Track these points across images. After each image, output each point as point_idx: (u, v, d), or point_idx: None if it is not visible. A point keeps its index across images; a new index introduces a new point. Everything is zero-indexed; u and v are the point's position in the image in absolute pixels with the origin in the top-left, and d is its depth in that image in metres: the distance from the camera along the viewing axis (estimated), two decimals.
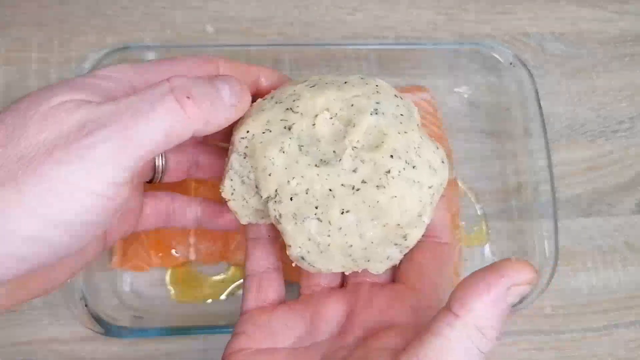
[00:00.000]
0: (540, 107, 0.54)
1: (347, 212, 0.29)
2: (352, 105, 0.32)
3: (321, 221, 0.29)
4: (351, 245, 0.29)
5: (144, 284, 0.50)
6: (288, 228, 0.30)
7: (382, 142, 0.30)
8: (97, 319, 0.44)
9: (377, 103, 0.32)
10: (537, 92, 0.54)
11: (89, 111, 0.24)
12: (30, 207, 0.23)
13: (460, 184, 0.57)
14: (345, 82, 0.33)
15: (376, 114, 0.31)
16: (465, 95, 0.60)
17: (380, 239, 0.29)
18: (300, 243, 0.30)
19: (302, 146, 0.31)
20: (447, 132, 0.57)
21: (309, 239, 0.30)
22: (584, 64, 0.64)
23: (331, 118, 0.32)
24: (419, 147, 0.31)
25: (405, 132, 0.30)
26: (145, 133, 0.24)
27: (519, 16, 0.64)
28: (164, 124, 0.25)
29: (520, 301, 0.50)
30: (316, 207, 0.29)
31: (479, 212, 0.57)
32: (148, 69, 0.30)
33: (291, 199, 0.29)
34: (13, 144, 0.24)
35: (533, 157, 0.54)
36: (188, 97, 0.26)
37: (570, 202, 0.60)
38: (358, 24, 0.61)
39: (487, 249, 0.56)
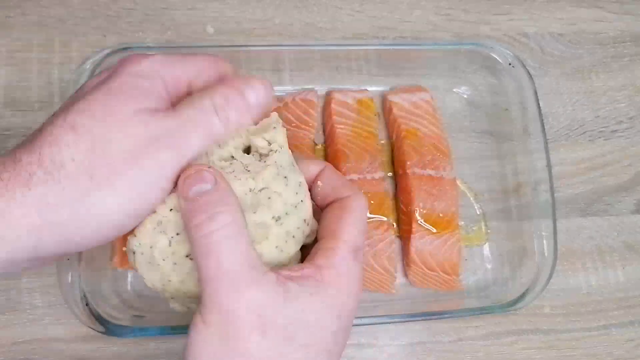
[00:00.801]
0: (539, 107, 0.54)
1: None
2: None
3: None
4: None
5: (145, 284, 0.50)
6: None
7: None
8: (98, 318, 0.44)
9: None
10: (536, 93, 0.54)
11: (158, 124, 0.29)
12: (118, 202, 0.29)
13: (459, 183, 0.57)
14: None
15: None
16: (465, 96, 0.60)
17: None
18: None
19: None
20: (447, 132, 0.57)
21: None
22: (583, 64, 0.64)
23: None
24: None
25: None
26: (197, 146, 0.30)
27: (518, 17, 0.64)
28: (210, 139, 0.31)
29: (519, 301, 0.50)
30: None
31: (478, 212, 0.58)
32: (173, 65, 0.32)
33: None
34: (102, 151, 0.28)
35: (532, 157, 0.54)
36: (228, 118, 0.31)
37: (569, 202, 0.60)
38: (358, 25, 0.61)
39: (486, 248, 0.57)
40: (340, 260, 0.31)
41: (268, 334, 0.28)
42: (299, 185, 0.33)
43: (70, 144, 0.28)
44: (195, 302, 0.34)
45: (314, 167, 0.35)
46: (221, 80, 0.34)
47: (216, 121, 0.31)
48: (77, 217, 0.28)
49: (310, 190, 0.34)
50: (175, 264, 0.32)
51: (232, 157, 0.33)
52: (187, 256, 0.32)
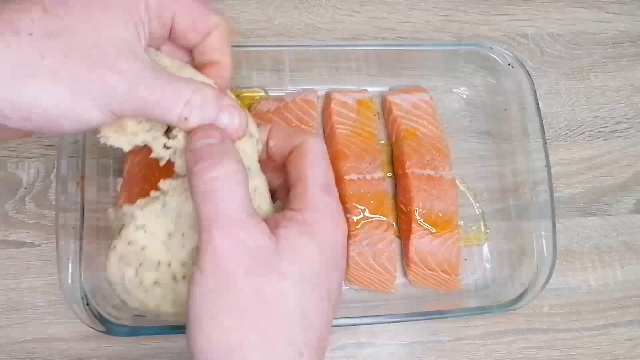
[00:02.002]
0: (538, 107, 0.54)
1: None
2: None
3: None
4: None
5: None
6: None
7: None
8: (99, 318, 0.45)
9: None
10: (535, 93, 0.54)
11: (131, 65, 0.30)
12: (57, 95, 0.28)
13: (458, 183, 0.57)
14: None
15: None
16: (464, 96, 0.60)
17: None
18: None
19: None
20: (446, 132, 0.57)
21: None
22: (582, 65, 0.64)
23: None
24: None
25: None
26: (147, 108, 0.30)
27: (518, 17, 0.64)
28: (159, 116, 0.31)
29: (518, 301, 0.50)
30: None
31: (477, 212, 0.58)
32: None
33: None
34: (64, 39, 0.28)
35: (531, 157, 0.54)
36: (186, 118, 0.31)
37: (569, 202, 0.60)
38: (357, 25, 0.62)
39: (485, 248, 0.57)
40: (314, 198, 0.32)
41: (262, 275, 0.29)
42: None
43: (35, 19, 0.28)
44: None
45: (264, 133, 0.36)
46: (214, 64, 0.35)
47: (177, 109, 0.31)
48: (11, 88, 0.27)
49: (267, 152, 0.36)
50: (146, 291, 0.33)
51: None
52: (154, 283, 0.33)
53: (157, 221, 0.33)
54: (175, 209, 0.33)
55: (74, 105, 0.29)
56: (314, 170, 0.33)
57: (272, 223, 0.31)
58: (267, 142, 0.36)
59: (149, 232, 0.33)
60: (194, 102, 0.31)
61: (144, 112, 0.31)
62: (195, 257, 0.33)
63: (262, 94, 0.57)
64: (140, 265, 0.33)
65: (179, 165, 0.34)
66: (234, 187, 0.30)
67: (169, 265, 0.33)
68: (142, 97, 0.30)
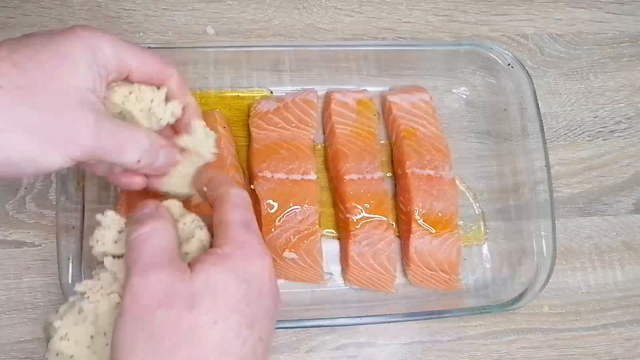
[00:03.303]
0: (538, 107, 0.54)
1: None
2: None
3: None
4: None
5: None
6: None
7: None
8: None
9: None
10: (535, 93, 0.54)
11: (93, 117, 0.33)
12: (23, 145, 0.31)
13: (458, 183, 0.57)
14: None
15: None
16: (464, 96, 0.60)
17: None
18: None
19: None
20: (446, 132, 0.57)
21: None
22: (581, 65, 0.64)
23: None
24: None
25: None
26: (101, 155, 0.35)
27: (517, 17, 0.65)
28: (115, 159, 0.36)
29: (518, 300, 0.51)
30: None
31: (477, 211, 0.58)
32: (127, 54, 0.36)
33: None
34: (31, 96, 0.31)
35: (531, 157, 0.54)
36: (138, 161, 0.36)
37: (568, 202, 0.60)
38: (357, 25, 0.62)
39: (485, 248, 0.57)
40: (234, 233, 0.34)
41: (174, 306, 0.30)
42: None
43: (4, 74, 0.30)
44: None
45: (205, 179, 0.39)
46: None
47: (131, 154, 0.36)
48: None
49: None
50: None
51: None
52: None
53: (77, 328, 0.34)
54: (92, 311, 0.34)
55: (39, 154, 0.32)
56: (233, 211, 0.35)
57: (193, 262, 0.32)
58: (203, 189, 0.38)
59: (72, 340, 0.34)
60: (144, 146, 0.36)
61: (102, 158, 0.35)
62: None
63: (266, 93, 0.57)
64: (71, 357, 0.34)
65: (96, 270, 0.36)
66: (156, 239, 0.33)
67: None
68: (103, 145, 0.34)
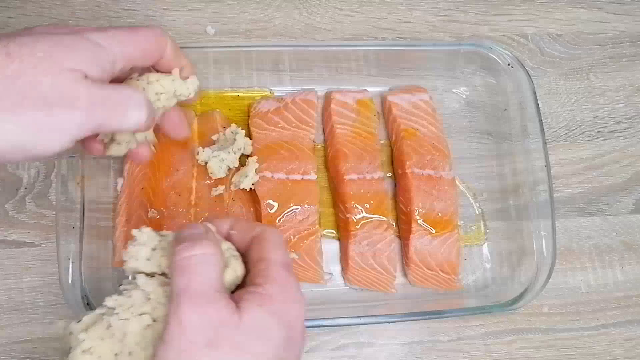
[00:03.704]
0: (538, 107, 0.54)
1: None
2: None
3: None
4: None
5: None
6: None
7: None
8: None
9: None
10: (535, 93, 0.54)
11: (86, 90, 0.33)
12: (12, 131, 0.31)
13: (458, 183, 0.57)
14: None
15: None
16: (464, 96, 0.60)
17: None
18: None
19: None
20: (446, 132, 0.57)
21: None
22: (581, 65, 0.64)
23: None
24: None
25: None
26: (103, 125, 0.34)
27: (517, 17, 0.65)
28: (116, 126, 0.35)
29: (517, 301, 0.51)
30: None
31: (477, 211, 0.58)
32: (124, 40, 0.36)
33: None
34: (24, 83, 0.31)
35: (531, 157, 0.54)
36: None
37: (568, 202, 0.60)
38: (357, 25, 0.62)
39: (485, 248, 0.57)
40: (275, 274, 0.34)
41: (221, 348, 0.30)
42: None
43: None
44: None
45: (225, 224, 0.38)
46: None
47: (131, 116, 0.35)
48: None
49: (227, 239, 0.38)
50: None
51: None
52: None
53: (102, 343, 0.34)
54: (121, 328, 0.34)
55: (30, 142, 0.32)
56: (274, 251, 0.35)
57: (235, 298, 0.32)
58: (227, 233, 0.38)
59: (96, 355, 0.33)
60: (146, 103, 0.36)
61: (103, 128, 0.35)
62: None
63: (267, 92, 0.57)
64: None
65: (125, 286, 0.36)
66: (208, 266, 0.32)
67: None
68: (99, 117, 0.34)
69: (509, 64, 0.55)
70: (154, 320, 0.34)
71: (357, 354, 0.53)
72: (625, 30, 0.66)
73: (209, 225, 0.37)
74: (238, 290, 0.35)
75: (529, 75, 0.55)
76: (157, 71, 0.41)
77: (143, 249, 0.36)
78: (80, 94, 0.32)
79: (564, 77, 0.64)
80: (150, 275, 0.36)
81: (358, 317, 0.48)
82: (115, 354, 0.33)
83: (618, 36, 0.66)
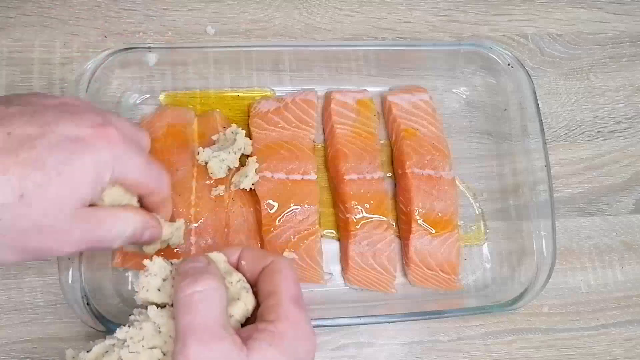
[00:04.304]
0: (538, 107, 0.54)
1: None
2: None
3: None
4: None
5: None
6: None
7: None
8: (99, 318, 0.45)
9: None
10: (535, 93, 0.54)
11: (79, 232, 0.35)
12: (17, 256, 0.35)
13: (458, 183, 0.57)
14: None
15: None
16: (464, 96, 0.60)
17: None
18: None
19: None
20: (446, 132, 0.57)
21: None
22: (581, 65, 0.64)
23: None
24: None
25: None
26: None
27: (517, 17, 0.65)
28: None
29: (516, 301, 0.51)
30: None
31: (477, 211, 0.58)
32: (128, 169, 0.38)
33: None
34: (33, 222, 0.33)
35: (531, 157, 0.54)
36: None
37: (568, 202, 0.60)
38: (357, 25, 0.62)
39: (485, 248, 0.57)
40: (286, 310, 0.34)
41: None
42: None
43: (10, 205, 0.32)
44: None
45: (235, 253, 0.39)
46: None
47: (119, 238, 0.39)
48: None
49: (237, 269, 0.38)
50: None
51: None
52: None
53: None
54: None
55: (9, 261, 0.35)
56: (286, 284, 0.35)
57: (244, 334, 0.32)
58: (238, 262, 0.38)
59: None
60: (132, 230, 0.39)
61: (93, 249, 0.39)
62: None
63: (269, 92, 0.57)
64: None
65: (135, 316, 0.36)
66: (212, 302, 0.32)
67: None
68: (84, 247, 0.36)
69: (509, 64, 0.55)
70: (164, 355, 0.34)
71: (357, 354, 0.53)
72: (625, 30, 0.66)
73: (218, 255, 0.37)
74: (248, 324, 0.35)
75: (529, 75, 0.55)
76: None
77: (154, 280, 0.36)
78: (70, 239, 0.35)
79: (564, 77, 0.64)
80: (162, 305, 0.36)
81: (358, 317, 0.48)
82: None
83: (618, 36, 0.66)
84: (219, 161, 0.50)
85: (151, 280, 0.36)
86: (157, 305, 0.36)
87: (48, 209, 0.33)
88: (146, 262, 0.36)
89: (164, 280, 0.36)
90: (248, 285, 0.36)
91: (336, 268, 0.54)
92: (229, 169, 0.52)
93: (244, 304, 0.35)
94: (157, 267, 0.36)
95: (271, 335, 0.32)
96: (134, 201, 0.40)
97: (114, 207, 0.38)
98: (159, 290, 0.36)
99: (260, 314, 0.35)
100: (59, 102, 0.36)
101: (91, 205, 0.36)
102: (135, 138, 0.39)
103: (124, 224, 0.38)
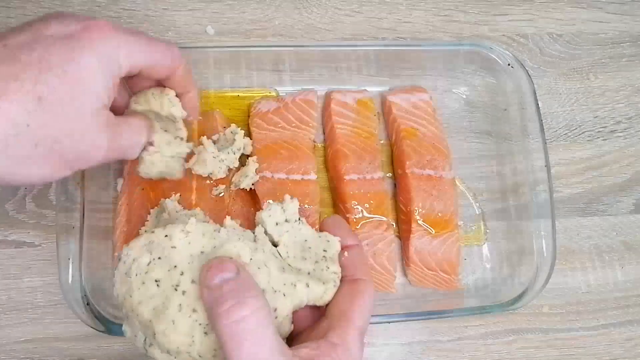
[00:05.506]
0: (538, 107, 0.54)
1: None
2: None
3: None
4: None
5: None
6: None
7: None
8: (99, 318, 0.45)
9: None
10: (534, 93, 0.54)
11: (106, 139, 0.36)
12: (41, 173, 0.34)
13: (458, 183, 0.58)
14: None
15: None
16: (464, 96, 0.60)
17: None
18: None
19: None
20: (446, 132, 0.57)
21: None
22: (581, 65, 0.64)
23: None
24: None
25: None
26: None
27: (517, 17, 0.65)
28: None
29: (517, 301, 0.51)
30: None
31: (477, 212, 0.58)
32: (136, 52, 0.36)
33: None
34: (54, 131, 0.32)
35: (531, 157, 0.54)
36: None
37: (568, 202, 0.60)
38: (357, 25, 0.62)
39: (485, 248, 0.57)
40: (352, 340, 0.33)
41: None
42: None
43: (33, 110, 0.31)
44: (142, 334, 0.35)
45: (351, 239, 0.38)
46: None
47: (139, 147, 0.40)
48: (8, 170, 0.32)
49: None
50: (143, 283, 0.34)
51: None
52: (155, 281, 0.34)
53: (200, 238, 0.35)
54: (223, 240, 0.35)
55: (50, 176, 0.34)
56: (362, 313, 0.34)
57: (304, 354, 0.31)
58: (343, 248, 0.38)
59: (189, 239, 0.35)
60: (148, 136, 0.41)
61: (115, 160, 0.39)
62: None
63: (272, 92, 0.57)
64: (158, 258, 0.34)
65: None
66: (263, 328, 0.29)
67: (182, 273, 0.34)
68: (115, 154, 0.37)
69: (509, 64, 0.55)
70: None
71: None
72: (625, 30, 0.66)
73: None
74: (306, 336, 0.34)
75: (529, 75, 0.55)
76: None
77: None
78: (101, 144, 0.35)
79: (564, 77, 0.64)
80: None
81: None
82: (201, 252, 0.35)
83: (618, 36, 0.66)
84: (218, 162, 0.50)
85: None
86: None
87: (69, 110, 0.32)
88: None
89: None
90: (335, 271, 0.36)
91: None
92: (229, 169, 0.52)
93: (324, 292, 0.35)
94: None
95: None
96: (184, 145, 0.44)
97: (127, 117, 0.39)
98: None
99: (325, 327, 0.34)
100: (44, 15, 0.36)
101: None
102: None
103: (139, 132, 0.39)
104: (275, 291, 0.34)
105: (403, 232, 0.55)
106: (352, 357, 0.32)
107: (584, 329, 0.57)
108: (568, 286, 0.58)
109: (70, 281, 0.45)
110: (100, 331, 0.44)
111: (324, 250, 0.38)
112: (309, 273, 0.36)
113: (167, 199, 0.47)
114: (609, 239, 0.60)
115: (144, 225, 0.48)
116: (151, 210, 0.48)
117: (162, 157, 0.44)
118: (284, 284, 0.35)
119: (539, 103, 0.54)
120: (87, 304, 0.45)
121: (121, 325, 0.44)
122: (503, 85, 0.57)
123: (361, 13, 0.62)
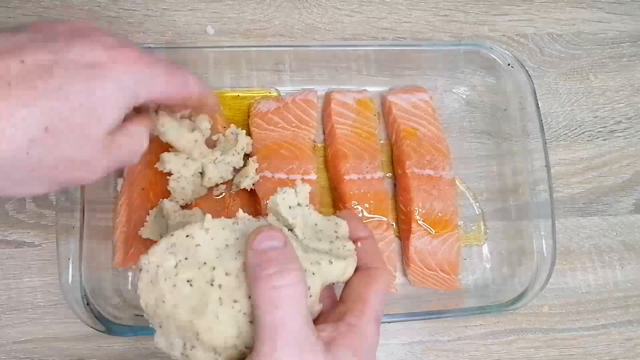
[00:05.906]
0: (538, 107, 0.54)
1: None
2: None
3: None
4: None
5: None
6: None
7: None
8: (99, 318, 0.45)
9: None
10: (534, 93, 0.54)
11: (106, 160, 0.35)
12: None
13: (458, 183, 0.58)
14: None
15: None
16: (464, 96, 0.60)
17: None
18: None
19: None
20: (446, 132, 0.57)
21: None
22: (581, 65, 0.64)
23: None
24: None
25: None
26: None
27: (517, 17, 0.65)
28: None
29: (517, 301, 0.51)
30: None
31: (477, 212, 0.58)
32: (154, 86, 0.36)
33: None
34: (59, 155, 0.32)
35: (531, 157, 0.54)
36: None
37: (568, 202, 0.60)
38: (357, 25, 0.62)
39: (485, 248, 0.57)
40: (367, 322, 0.33)
41: None
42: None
43: (37, 139, 0.30)
44: (180, 339, 0.34)
45: (362, 231, 0.38)
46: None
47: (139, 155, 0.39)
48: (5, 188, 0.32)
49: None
50: (174, 285, 0.33)
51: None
52: (188, 281, 0.33)
53: (221, 232, 0.35)
54: (243, 230, 0.35)
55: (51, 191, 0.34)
56: (378, 297, 0.34)
57: (325, 335, 0.32)
58: (355, 240, 0.37)
59: (210, 235, 0.34)
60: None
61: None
62: (240, 275, 0.33)
63: (273, 92, 0.57)
64: (185, 259, 0.34)
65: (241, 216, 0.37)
66: (299, 299, 0.30)
67: (214, 268, 0.33)
68: (114, 167, 0.36)
69: (509, 64, 0.55)
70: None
71: None
72: (625, 30, 0.66)
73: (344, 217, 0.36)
74: (323, 319, 0.34)
75: (529, 75, 0.55)
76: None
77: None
78: (100, 167, 0.35)
79: (564, 77, 0.64)
80: None
81: None
82: (226, 245, 0.34)
83: (618, 36, 0.66)
84: (224, 164, 0.50)
85: None
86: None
87: (75, 141, 0.32)
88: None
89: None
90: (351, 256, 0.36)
91: None
92: (235, 169, 0.52)
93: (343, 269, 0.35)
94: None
95: (352, 346, 0.32)
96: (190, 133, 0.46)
97: (126, 126, 0.37)
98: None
99: (342, 310, 0.34)
100: (70, 28, 0.34)
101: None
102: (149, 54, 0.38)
103: (139, 141, 0.38)
104: (305, 270, 0.34)
105: (403, 232, 0.55)
106: (369, 339, 0.33)
107: (584, 329, 0.57)
108: (568, 286, 0.58)
109: (70, 281, 0.45)
110: (100, 331, 0.44)
111: (335, 232, 0.38)
112: (326, 252, 0.36)
113: (165, 200, 0.47)
114: (609, 239, 0.60)
115: (143, 226, 0.48)
116: (150, 212, 0.48)
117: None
118: (311, 263, 0.35)
119: (539, 103, 0.54)
120: (87, 304, 0.45)
121: (121, 325, 0.45)
122: (503, 85, 0.57)
123: (361, 13, 0.62)
